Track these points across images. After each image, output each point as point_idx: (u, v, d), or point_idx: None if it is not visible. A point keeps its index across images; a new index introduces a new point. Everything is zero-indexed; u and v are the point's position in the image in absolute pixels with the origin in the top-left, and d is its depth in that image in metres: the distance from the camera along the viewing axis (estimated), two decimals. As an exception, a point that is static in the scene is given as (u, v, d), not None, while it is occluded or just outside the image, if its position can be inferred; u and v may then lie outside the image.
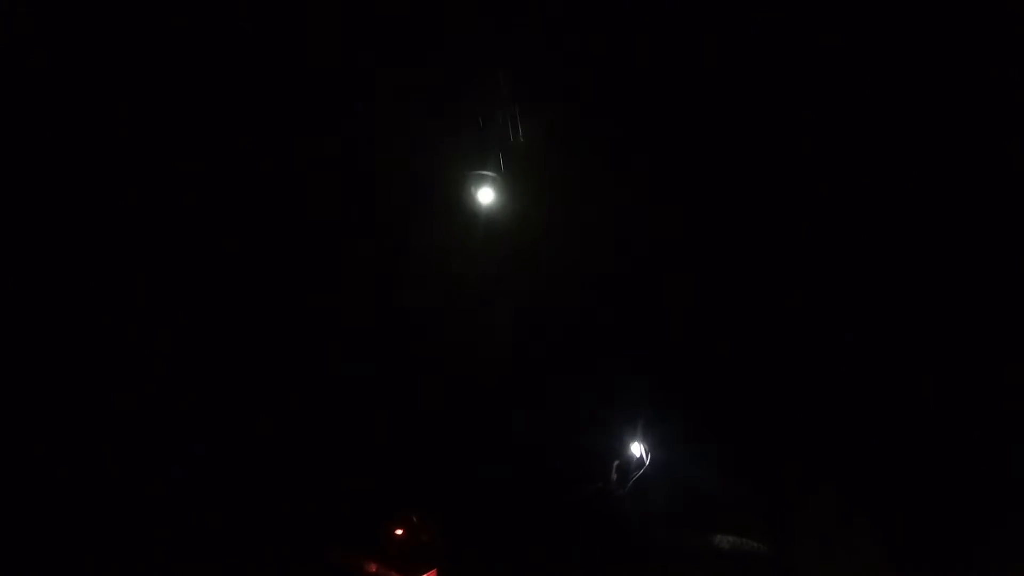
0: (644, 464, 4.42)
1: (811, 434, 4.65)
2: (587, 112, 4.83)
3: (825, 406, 4.68)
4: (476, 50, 4.56)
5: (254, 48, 4.08)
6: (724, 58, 4.65)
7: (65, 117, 3.78)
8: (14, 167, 3.66)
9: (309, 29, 4.21)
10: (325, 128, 4.34)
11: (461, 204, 4.69)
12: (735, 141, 4.82)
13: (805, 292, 4.81)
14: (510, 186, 4.78)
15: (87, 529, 3.46)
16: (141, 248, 3.89)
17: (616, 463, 4.36)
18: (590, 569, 4.24)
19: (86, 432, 3.61)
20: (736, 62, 4.63)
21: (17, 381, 3.49)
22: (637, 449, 4.45)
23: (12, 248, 3.63)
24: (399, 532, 3.96)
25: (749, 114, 4.74)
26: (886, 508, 4.48)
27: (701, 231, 4.88)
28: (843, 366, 4.71)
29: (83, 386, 3.65)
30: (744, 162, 4.84)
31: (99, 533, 3.46)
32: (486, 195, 4.76)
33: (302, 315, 4.19)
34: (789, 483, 4.63)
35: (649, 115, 4.84)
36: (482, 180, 4.77)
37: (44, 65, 3.70)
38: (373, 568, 3.79)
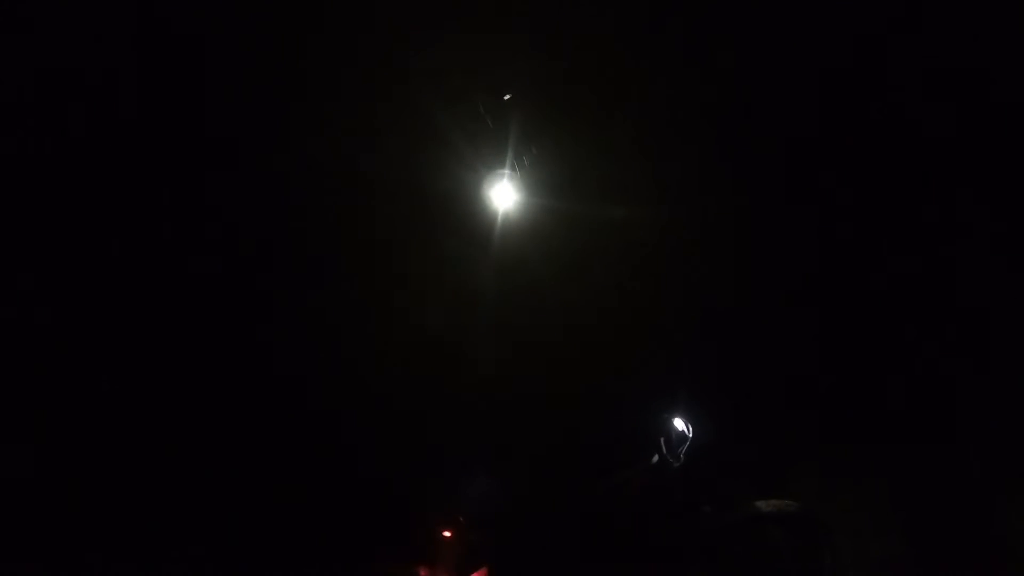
0: (687, 438, 4.16)
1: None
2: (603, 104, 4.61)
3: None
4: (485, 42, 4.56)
5: (256, 44, 4.02)
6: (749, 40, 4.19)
7: (65, 116, 3.92)
8: (14, 167, 3.83)
9: (311, 24, 4.14)
10: (328, 129, 4.37)
11: (477, 203, 4.74)
12: (765, 128, 4.34)
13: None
14: (527, 184, 4.74)
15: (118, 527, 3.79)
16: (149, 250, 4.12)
17: (663, 439, 4.18)
18: (644, 553, 4.16)
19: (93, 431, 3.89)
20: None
21: (17, 381, 3.76)
22: (679, 424, 4.20)
23: (12, 248, 3.86)
24: (447, 534, 4.34)
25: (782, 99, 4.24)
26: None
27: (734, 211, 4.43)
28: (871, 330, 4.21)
29: (79, 385, 3.92)
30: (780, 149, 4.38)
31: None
32: (503, 194, 4.78)
33: (336, 321, 4.45)
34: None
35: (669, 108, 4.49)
36: (498, 178, 4.81)
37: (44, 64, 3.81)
38: (424, 573, 4.18)
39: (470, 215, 4.73)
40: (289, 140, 4.36)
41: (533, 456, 4.30)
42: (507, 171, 4.69)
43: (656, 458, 4.15)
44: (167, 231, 4.26)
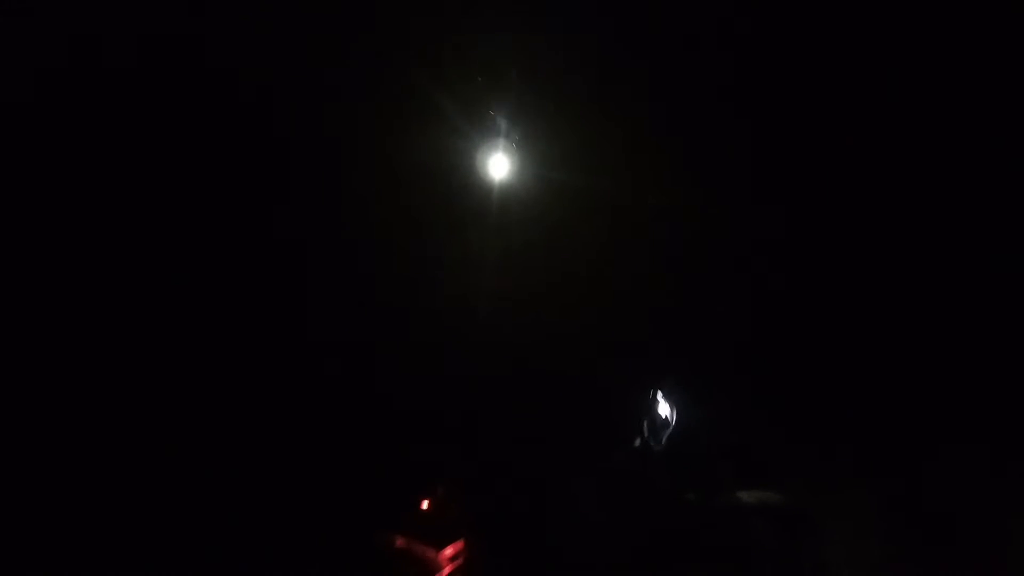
0: (671, 423, 4.10)
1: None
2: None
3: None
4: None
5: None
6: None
7: (64, 116, 3.97)
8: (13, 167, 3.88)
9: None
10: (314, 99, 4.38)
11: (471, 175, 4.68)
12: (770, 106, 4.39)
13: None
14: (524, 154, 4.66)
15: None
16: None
17: (646, 423, 4.13)
18: (623, 535, 4.13)
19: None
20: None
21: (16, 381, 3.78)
22: (664, 407, 4.14)
23: (12, 248, 3.88)
24: (425, 505, 4.32)
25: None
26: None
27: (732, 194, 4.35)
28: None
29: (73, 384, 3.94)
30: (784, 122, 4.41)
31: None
32: (498, 165, 4.71)
33: (323, 293, 4.48)
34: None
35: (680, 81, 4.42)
36: (493, 148, 4.72)
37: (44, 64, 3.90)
38: (400, 543, 4.16)
39: (465, 187, 4.68)
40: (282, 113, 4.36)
41: (514, 430, 4.23)
42: (503, 142, 4.61)
43: (638, 442, 4.09)
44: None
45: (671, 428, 3.91)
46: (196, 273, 4.36)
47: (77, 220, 4.11)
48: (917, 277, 4.48)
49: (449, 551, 4.22)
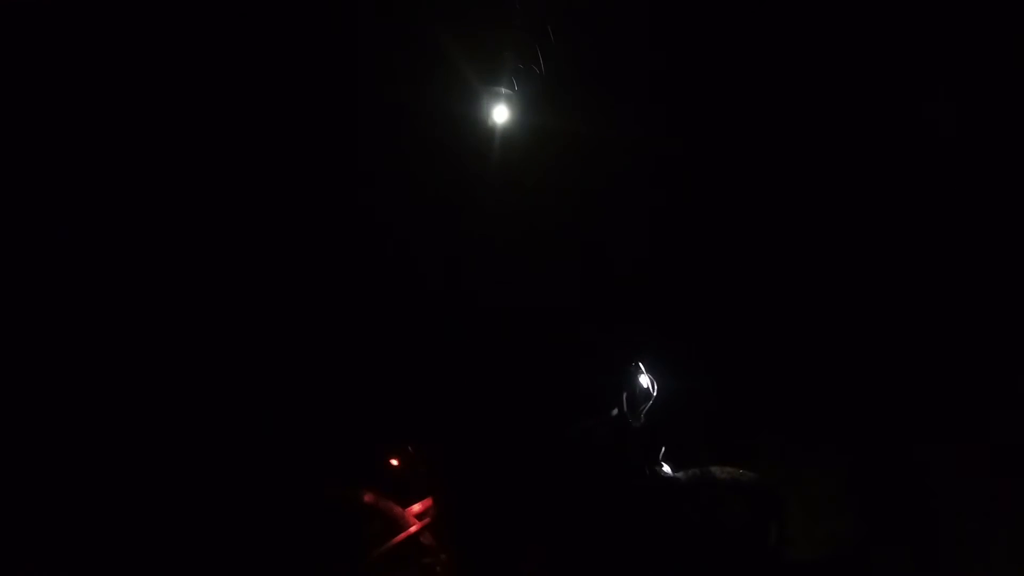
0: (652, 395, 4.02)
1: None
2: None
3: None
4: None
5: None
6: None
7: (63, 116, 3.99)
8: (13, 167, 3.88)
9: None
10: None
11: (473, 123, 4.51)
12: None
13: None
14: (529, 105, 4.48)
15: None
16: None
17: (625, 395, 4.05)
18: (591, 504, 4.10)
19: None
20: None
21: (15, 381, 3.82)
22: (644, 380, 4.05)
23: (11, 248, 3.89)
24: (394, 462, 4.27)
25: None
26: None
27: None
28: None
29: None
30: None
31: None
32: (501, 114, 4.53)
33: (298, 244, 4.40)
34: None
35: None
36: (497, 97, 4.54)
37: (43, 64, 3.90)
38: (368, 499, 4.12)
39: (467, 133, 4.49)
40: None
41: (489, 393, 4.15)
42: (504, 90, 4.44)
43: (616, 412, 4.02)
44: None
45: (651, 402, 3.80)
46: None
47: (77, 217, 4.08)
48: (899, 265, 4.44)
49: (417, 508, 4.20)
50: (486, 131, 4.45)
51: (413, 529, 4.09)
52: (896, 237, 4.62)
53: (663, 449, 4.01)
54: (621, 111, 4.49)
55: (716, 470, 3.99)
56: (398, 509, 4.12)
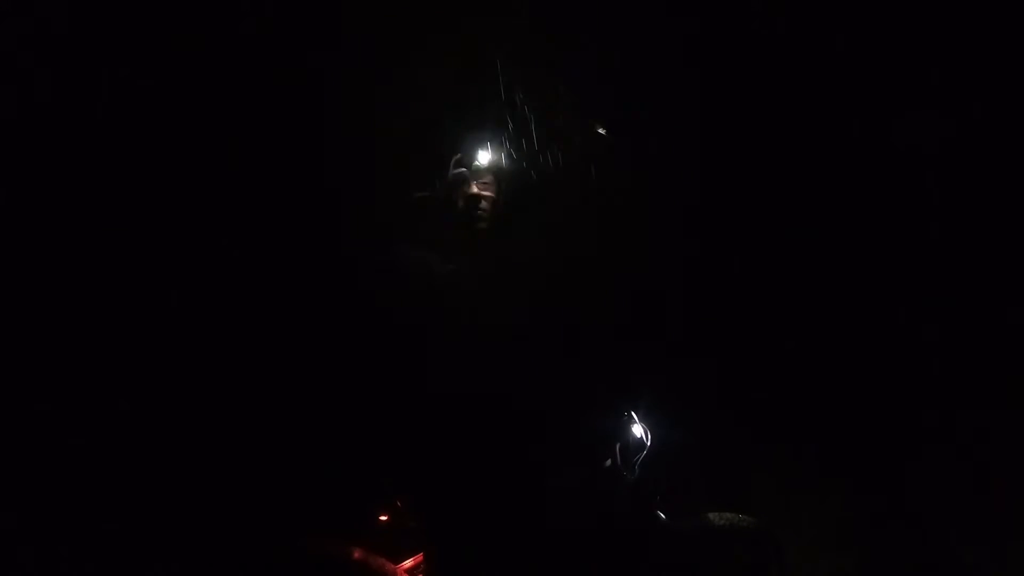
0: (646, 445, 3.95)
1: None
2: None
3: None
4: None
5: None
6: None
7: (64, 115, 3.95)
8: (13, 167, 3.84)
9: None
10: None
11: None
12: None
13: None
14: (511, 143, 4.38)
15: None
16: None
17: (618, 445, 3.97)
18: (587, 556, 4.01)
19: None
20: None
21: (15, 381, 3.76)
22: (638, 430, 3.97)
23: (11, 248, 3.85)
24: (383, 518, 4.19)
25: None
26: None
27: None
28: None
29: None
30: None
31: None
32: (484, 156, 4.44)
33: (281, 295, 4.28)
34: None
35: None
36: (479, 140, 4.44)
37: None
38: (357, 555, 4.05)
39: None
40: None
41: (480, 439, 4.04)
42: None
43: (609, 463, 3.94)
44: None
45: (644, 452, 3.72)
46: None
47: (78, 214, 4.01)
48: (892, 300, 4.43)
49: (408, 564, 4.12)
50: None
51: (403, 584, 4.00)
52: (881, 277, 4.58)
53: (658, 498, 3.91)
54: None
55: (714, 516, 3.94)
56: (389, 566, 4.05)
